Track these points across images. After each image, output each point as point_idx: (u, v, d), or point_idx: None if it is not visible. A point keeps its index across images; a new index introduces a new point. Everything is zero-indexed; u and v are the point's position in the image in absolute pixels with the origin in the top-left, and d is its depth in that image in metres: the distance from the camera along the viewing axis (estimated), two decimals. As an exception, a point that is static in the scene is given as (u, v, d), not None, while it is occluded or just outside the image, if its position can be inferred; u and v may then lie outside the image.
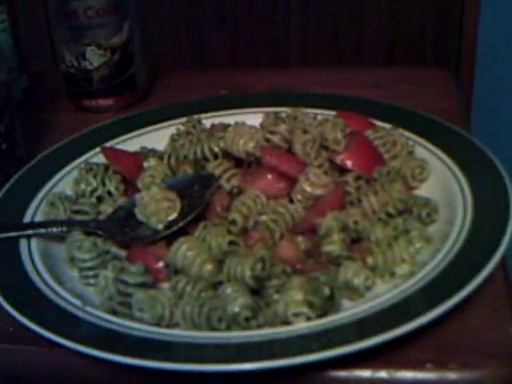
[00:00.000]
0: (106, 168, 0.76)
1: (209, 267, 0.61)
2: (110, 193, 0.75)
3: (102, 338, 0.56)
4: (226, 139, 0.73)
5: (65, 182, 0.78)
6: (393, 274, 0.61)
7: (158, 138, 0.85)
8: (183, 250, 0.62)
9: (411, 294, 0.56)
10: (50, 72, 1.22)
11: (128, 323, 0.58)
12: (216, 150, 0.74)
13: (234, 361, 0.52)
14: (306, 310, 0.55)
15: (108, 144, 0.83)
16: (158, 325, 0.58)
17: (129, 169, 0.76)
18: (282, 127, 0.72)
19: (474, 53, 1.21)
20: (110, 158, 0.77)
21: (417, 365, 0.53)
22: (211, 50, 1.26)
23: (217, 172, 0.72)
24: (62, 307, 0.60)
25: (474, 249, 0.60)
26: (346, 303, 0.59)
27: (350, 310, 0.56)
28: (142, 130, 0.87)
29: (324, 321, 0.55)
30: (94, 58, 0.98)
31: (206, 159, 0.75)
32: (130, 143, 0.84)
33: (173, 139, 0.84)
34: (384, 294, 0.57)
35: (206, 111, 0.88)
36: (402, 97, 0.94)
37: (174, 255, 0.62)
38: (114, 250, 0.68)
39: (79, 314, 0.59)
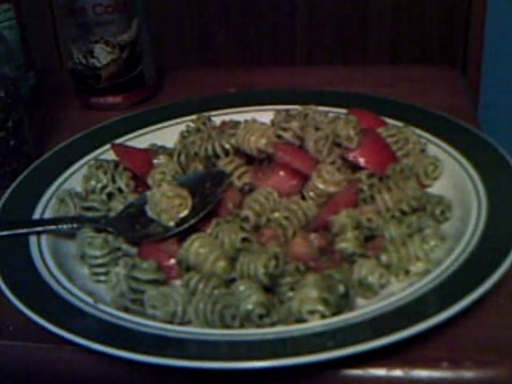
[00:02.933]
0: (116, 165, 0.76)
1: (222, 264, 0.60)
2: (120, 190, 0.74)
3: (113, 334, 0.55)
4: (238, 136, 0.72)
5: (74, 178, 0.77)
6: (407, 272, 0.60)
7: (167, 135, 0.84)
8: (196, 247, 0.61)
9: (426, 293, 0.55)
10: (57, 69, 1.22)
11: (139, 320, 0.57)
12: (227, 146, 0.74)
13: (247, 359, 0.51)
14: (321, 307, 0.55)
15: (118, 141, 0.83)
16: (170, 322, 0.58)
17: (139, 165, 0.75)
18: (294, 124, 0.71)
19: (480, 49, 1.21)
20: (121, 154, 0.77)
21: (432, 363, 0.52)
22: (216, 48, 1.26)
23: (228, 169, 0.71)
24: (72, 304, 0.59)
25: (488, 247, 0.59)
26: (360, 301, 0.58)
27: (365, 308, 0.55)
28: (152, 127, 0.86)
29: (339, 319, 0.54)
30: (103, 56, 0.97)
31: (217, 156, 0.74)
32: (140, 140, 0.84)
33: (183, 136, 0.84)
34: (399, 292, 0.57)
35: (216, 108, 0.88)
36: (410, 95, 0.93)
37: (186, 252, 0.61)
38: (125, 247, 0.67)
39: (90, 310, 0.58)
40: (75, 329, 0.55)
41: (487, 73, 1.21)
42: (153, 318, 0.57)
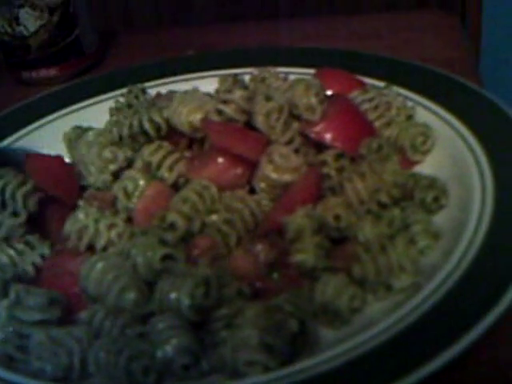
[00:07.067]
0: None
1: (131, 295, 0.45)
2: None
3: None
4: (170, 109, 0.58)
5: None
6: (389, 289, 0.48)
7: (95, 114, 0.71)
8: (97, 272, 0.46)
9: (418, 320, 0.43)
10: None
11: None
12: (158, 120, 0.59)
13: None
14: (262, 357, 0.40)
15: (35, 124, 0.71)
16: (65, 379, 0.43)
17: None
18: (238, 94, 0.56)
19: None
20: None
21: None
22: (194, 1, 1.11)
23: (154, 159, 0.56)
24: None
25: (500, 244, 0.47)
26: (326, 335, 0.45)
27: (331, 350, 0.42)
28: (77, 106, 0.74)
29: (291, 370, 0.40)
30: (30, 22, 0.87)
31: (146, 134, 0.59)
32: (63, 122, 0.71)
33: (111, 114, 0.69)
34: (379, 319, 0.44)
35: (154, 78, 0.75)
36: (403, 47, 0.86)
37: (86, 279, 0.46)
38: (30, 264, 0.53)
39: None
40: None
41: (488, 20, 1.11)
42: (41, 373, 0.43)
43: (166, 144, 0.58)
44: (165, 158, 0.57)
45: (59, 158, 0.62)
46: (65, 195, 0.56)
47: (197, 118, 0.57)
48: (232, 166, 0.55)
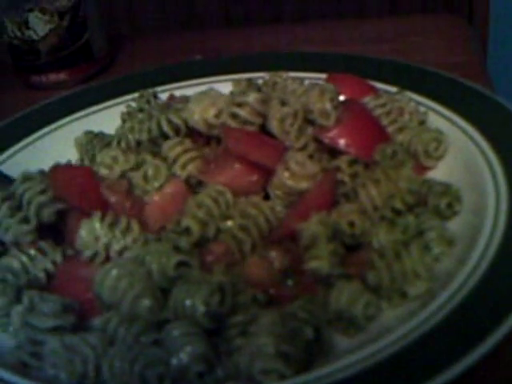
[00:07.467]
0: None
1: (146, 302, 0.45)
2: None
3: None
4: (188, 109, 0.58)
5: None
6: (404, 296, 0.47)
7: (106, 119, 0.71)
8: (112, 279, 0.46)
9: (433, 328, 0.42)
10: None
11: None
12: (176, 121, 0.58)
13: None
14: (278, 365, 0.39)
15: (45, 129, 0.71)
16: None
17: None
18: (253, 97, 0.56)
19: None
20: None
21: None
22: (199, 7, 1.11)
23: (171, 154, 0.56)
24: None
25: None
26: (340, 342, 0.45)
27: (346, 358, 0.41)
28: (87, 111, 0.73)
29: (306, 379, 0.40)
30: (39, 26, 0.87)
31: (165, 136, 0.59)
32: (74, 127, 0.71)
33: (123, 119, 0.69)
34: (394, 326, 0.43)
35: (165, 82, 0.74)
36: (409, 51, 0.85)
37: (100, 285, 0.46)
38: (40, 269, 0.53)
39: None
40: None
41: (496, 20, 1.10)
42: (55, 380, 0.43)
43: (187, 141, 0.57)
44: (181, 154, 0.56)
45: (85, 169, 0.61)
46: (89, 207, 0.54)
47: (210, 114, 0.56)
48: (248, 173, 0.54)
